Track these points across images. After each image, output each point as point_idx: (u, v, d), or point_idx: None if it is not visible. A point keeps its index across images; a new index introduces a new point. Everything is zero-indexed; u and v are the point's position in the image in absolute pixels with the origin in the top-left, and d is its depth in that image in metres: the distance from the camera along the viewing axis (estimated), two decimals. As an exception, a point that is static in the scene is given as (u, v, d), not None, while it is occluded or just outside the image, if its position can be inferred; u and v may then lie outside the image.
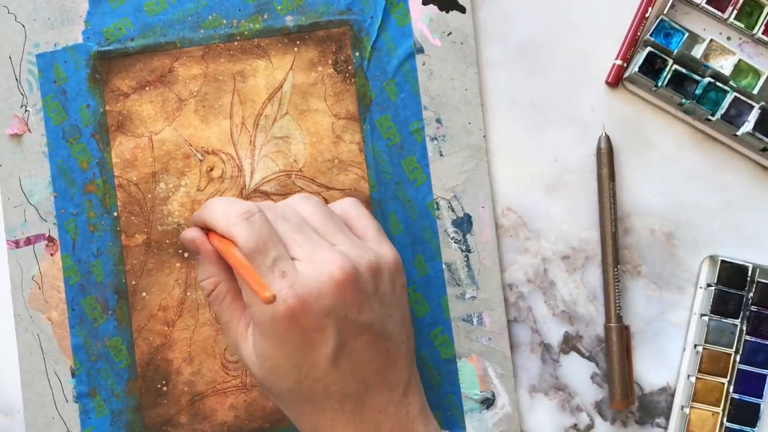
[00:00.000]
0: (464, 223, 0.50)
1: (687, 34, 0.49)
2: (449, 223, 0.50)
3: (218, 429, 0.49)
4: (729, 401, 0.50)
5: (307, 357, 0.40)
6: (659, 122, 0.51)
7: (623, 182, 0.51)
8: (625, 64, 0.50)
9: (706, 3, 0.50)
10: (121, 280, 0.49)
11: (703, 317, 0.50)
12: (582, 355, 0.50)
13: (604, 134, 0.50)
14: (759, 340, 0.50)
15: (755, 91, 0.49)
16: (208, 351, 0.49)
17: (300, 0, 0.49)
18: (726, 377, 0.49)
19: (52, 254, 0.49)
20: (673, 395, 0.50)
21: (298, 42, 0.50)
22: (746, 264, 0.50)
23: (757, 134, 0.49)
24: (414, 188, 0.50)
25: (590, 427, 0.50)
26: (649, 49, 0.49)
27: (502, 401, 0.49)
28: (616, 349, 0.49)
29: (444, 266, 0.49)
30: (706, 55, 0.49)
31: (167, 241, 0.49)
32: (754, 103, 0.49)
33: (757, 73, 0.49)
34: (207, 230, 0.43)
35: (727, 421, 0.50)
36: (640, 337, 0.50)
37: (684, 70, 0.49)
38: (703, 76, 0.49)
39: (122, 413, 0.49)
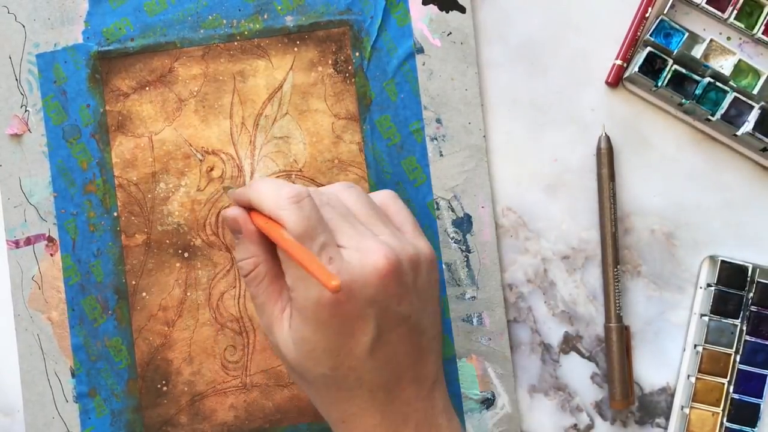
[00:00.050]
0: (464, 223, 0.50)
1: (687, 34, 0.49)
2: (449, 223, 0.50)
3: (218, 429, 0.49)
4: (729, 401, 0.50)
5: (345, 344, 0.40)
6: (659, 122, 0.51)
7: (623, 182, 0.51)
8: (625, 64, 0.50)
9: (706, 3, 0.50)
10: (121, 280, 0.49)
11: (703, 317, 0.50)
12: (582, 355, 0.50)
13: (604, 134, 0.50)
14: (759, 340, 0.50)
15: (755, 91, 0.49)
16: (208, 351, 0.49)
17: (300, 0, 0.49)
18: (726, 377, 0.49)
19: (52, 254, 0.49)
20: (673, 395, 0.50)
21: (298, 42, 0.50)
22: (746, 264, 0.50)
23: (757, 134, 0.49)
24: (414, 188, 0.50)
25: (590, 427, 0.50)
26: (649, 49, 0.49)
27: (502, 401, 0.49)
28: (616, 349, 0.49)
29: (444, 266, 0.49)
30: (706, 55, 0.49)
31: (167, 241, 0.49)
32: (754, 103, 0.49)
33: (757, 73, 0.49)
34: (248, 209, 0.42)
35: (727, 421, 0.50)
36: (640, 337, 0.50)
37: (684, 70, 0.49)
38: (703, 76, 0.49)
39: (122, 413, 0.49)
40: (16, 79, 0.49)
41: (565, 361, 0.50)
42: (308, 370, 0.41)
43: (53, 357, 0.49)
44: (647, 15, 0.50)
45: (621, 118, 0.51)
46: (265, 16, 0.50)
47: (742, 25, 0.50)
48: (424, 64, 0.50)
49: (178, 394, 0.49)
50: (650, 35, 0.49)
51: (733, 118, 0.49)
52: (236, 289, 0.49)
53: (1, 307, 0.49)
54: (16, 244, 0.49)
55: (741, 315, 0.50)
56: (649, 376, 0.50)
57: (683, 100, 0.49)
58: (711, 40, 0.49)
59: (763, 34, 0.50)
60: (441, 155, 0.50)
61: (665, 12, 0.50)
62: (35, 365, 0.49)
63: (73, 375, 0.49)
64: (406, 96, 0.50)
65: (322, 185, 0.49)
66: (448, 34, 0.50)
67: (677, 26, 0.49)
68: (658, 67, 0.49)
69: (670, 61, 0.49)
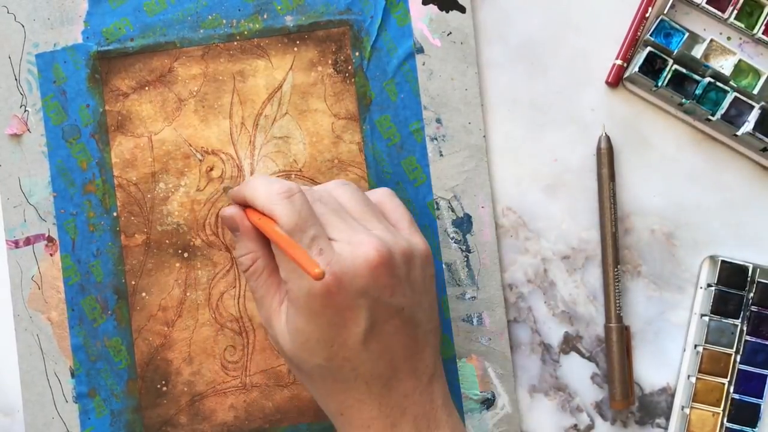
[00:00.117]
0: (464, 223, 0.50)
1: (687, 34, 0.49)
2: (449, 223, 0.50)
3: (218, 429, 0.49)
4: (729, 401, 0.50)
5: (338, 335, 0.40)
6: (659, 122, 0.51)
7: (623, 182, 0.50)
8: (625, 64, 0.50)
9: (707, 3, 0.50)
10: (121, 280, 0.49)
11: (703, 317, 0.50)
12: (582, 355, 0.50)
13: (604, 134, 0.50)
14: (759, 341, 0.50)
15: (755, 91, 0.49)
16: (208, 351, 0.49)
17: (300, 0, 0.49)
18: (726, 377, 0.49)
19: (51, 254, 0.49)
20: (673, 395, 0.50)
21: (297, 42, 0.50)
22: (746, 264, 0.50)
23: (757, 134, 0.49)
24: (414, 188, 0.50)
25: (590, 427, 0.50)
26: (649, 49, 0.49)
27: (502, 401, 0.49)
28: (616, 350, 0.49)
29: (444, 266, 0.49)
30: (706, 55, 0.49)
31: (167, 241, 0.49)
32: (754, 103, 0.49)
33: (757, 73, 0.49)
34: (245, 207, 0.44)
35: (728, 421, 0.49)
36: (640, 337, 0.50)
37: (684, 70, 0.49)
38: (703, 76, 0.49)
39: (122, 413, 0.49)
40: (16, 79, 0.49)
41: (565, 361, 0.50)
42: (304, 361, 0.41)
43: (53, 357, 0.49)
44: (647, 15, 0.50)
45: (621, 118, 0.51)
46: (265, 16, 0.49)
47: (743, 25, 0.50)
48: (424, 64, 0.50)
49: (178, 395, 0.49)
50: (650, 35, 0.49)
51: (733, 118, 0.49)
52: (236, 289, 0.49)
53: (1, 307, 0.49)
54: (16, 244, 0.49)
55: (741, 315, 0.50)
56: (650, 377, 0.50)
57: (683, 100, 0.49)
58: (711, 40, 0.49)
59: (763, 34, 0.50)
60: (441, 155, 0.50)
61: (665, 12, 0.50)
62: (35, 365, 0.49)
63: (72, 375, 0.49)
64: (406, 96, 0.50)
65: (322, 185, 0.49)
66: (448, 34, 0.50)
67: (677, 26, 0.49)
68: (658, 67, 0.49)
69: (671, 61, 0.49)
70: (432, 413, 0.42)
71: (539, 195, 0.50)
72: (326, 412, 0.43)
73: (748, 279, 0.50)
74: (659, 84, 0.49)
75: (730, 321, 0.50)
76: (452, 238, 0.49)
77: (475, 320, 0.49)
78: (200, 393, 0.49)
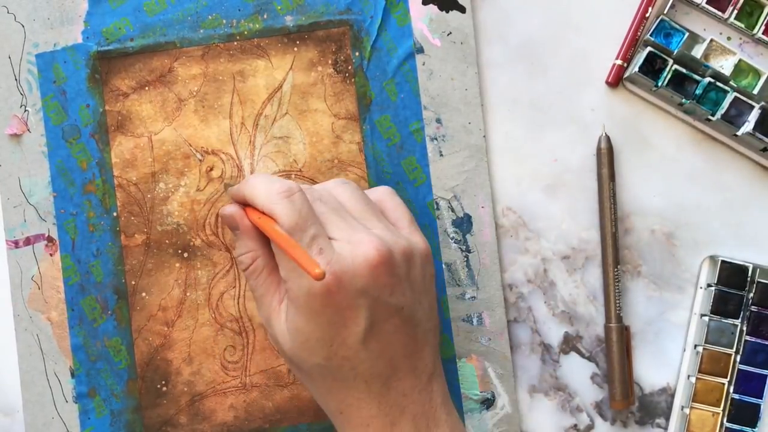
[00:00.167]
0: (464, 223, 0.50)
1: (687, 34, 0.49)
2: (449, 223, 0.50)
3: (218, 429, 0.49)
4: (729, 401, 0.50)
5: (338, 334, 0.40)
6: (659, 122, 0.51)
7: (623, 182, 0.50)
8: (625, 64, 0.50)
9: (707, 3, 0.50)
10: (121, 280, 0.49)
11: (703, 317, 0.50)
12: (582, 355, 0.50)
13: (604, 134, 0.50)
14: (759, 341, 0.50)
15: (755, 91, 0.49)
16: (208, 351, 0.49)
17: (300, 0, 0.49)
18: (726, 377, 0.49)
19: (51, 254, 0.49)
20: (673, 395, 0.50)
21: (297, 42, 0.50)
22: (746, 264, 0.50)
23: (757, 134, 0.49)
24: (414, 188, 0.50)
25: (590, 427, 0.50)
26: (649, 49, 0.49)
27: (502, 401, 0.49)
28: (616, 350, 0.49)
29: (444, 266, 0.49)
30: (706, 55, 0.49)
31: (167, 241, 0.49)
32: (754, 103, 0.49)
33: (757, 73, 0.49)
34: (244, 205, 0.44)
35: (728, 421, 0.49)
36: (640, 337, 0.50)
37: (684, 70, 0.49)
38: (703, 76, 0.49)
39: (122, 413, 0.49)
40: (16, 79, 0.49)
41: (565, 362, 0.50)
42: (304, 361, 0.41)
43: (53, 357, 0.49)
44: (647, 15, 0.50)
45: (621, 118, 0.51)
46: (265, 16, 0.49)
47: (743, 25, 0.50)
48: (424, 64, 0.50)
49: (178, 395, 0.49)
50: (650, 35, 0.49)
51: (733, 118, 0.49)
52: (236, 289, 0.49)
53: (1, 307, 0.49)
54: (16, 244, 0.49)
55: (741, 315, 0.50)
56: (650, 377, 0.50)
57: (683, 100, 0.49)
58: (711, 40, 0.49)
59: (763, 34, 0.50)
60: (441, 155, 0.50)
61: (665, 12, 0.50)
62: (35, 365, 0.49)
63: (72, 375, 0.49)
64: (406, 96, 0.50)
65: (322, 185, 0.49)
66: (448, 34, 0.50)
67: (677, 26, 0.49)
68: (658, 67, 0.49)
69: (671, 61, 0.49)
70: (431, 412, 0.42)
71: (539, 195, 0.50)
72: (326, 411, 0.43)
73: (748, 279, 0.50)
74: (659, 84, 0.49)
75: (730, 321, 0.50)
76: (452, 238, 0.49)
77: (475, 320, 0.49)
78: (200, 393, 0.49)
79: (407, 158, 0.50)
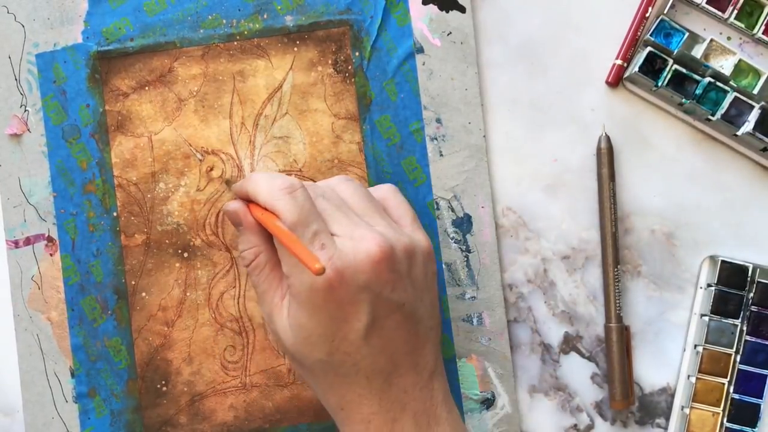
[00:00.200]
0: (464, 223, 0.50)
1: (687, 34, 0.49)
2: (449, 223, 0.50)
3: (218, 429, 0.49)
4: (729, 401, 0.50)
5: (340, 330, 0.40)
6: (659, 122, 0.51)
7: (623, 182, 0.50)
8: (625, 64, 0.50)
9: (707, 3, 0.50)
10: (121, 280, 0.49)
11: (703, 317, 0.50)
12: (582, 355, 0.50)
13: (604, 134, 0.50)
14: (759, 341, 0.50)
15: (755, 91, 0.49)
16: (208, 351, 0.49)
17: (300, 0, 0.49)
18: (726, 377, 0.49)
19: (51, 254, 0.49)
20: (673, 395, 0.50)
21: (297, 42, 0.50)
22: (746, 264, 0.50)
23: (757, 134, 0.49)
24: (414, 188, 0.50)
25: (590, 427, 0.50)
26: (649, 49, 0.49)
27: (502, 401, 0.49)
28: (616, 350, 0.49)
29: (444, 266, 0.49)
30: (706, 55, 0.49)
31: (167, 241, 0.49)
32: (754, 103, 0.49)
33: (757, 73, 0.49)
34: (248, 201, 0.44)
35: (728, 421, 0.49)
36: (640, 337, 0.50)
37: (684, 70, 0.49)
38: (704, 76, 0.49)
39: (122, 413, 0.49)
40: (16, 79, 0.49)
41: (565, 361, 0.50)
42: (305, 356, 0.41)
43: (53, 357, 0.49)
44: (647, 15, 0.50)
45: (621, 118, 0.51)
46: (265, 16, 0.49)
47: (743, 25, 0.50)
48: (424, 64, 0.50)
49: (178, 395, 0.49)
50: (650, 35, 0.49)
51: (733, 118, 0.49)
52: (236, 289, 0.49)
53: (1, 307, 0.49)
54: (16, 244, 0.49)
55: (741, 315, 0.50)
56: (650, 376, 0.50)
57: (683, 100, 0.49)
58: (711, 40, 0.49)
59: (763, 34, 0.50)
60: (441, 155, 0.50)
61: (665, 12, 0.50)
62: (35, 365, 0.49)
63: (72, 375, 0.49)
64: (406, 96, 0.50)
65: (322, 185, 0.49)
66: (448, 34, 0.50)
67: (677, 26, 0.49)
68: (658, 67, 0.49)
69: (671, 61, 0.49)
70: (432, 410, 0.42)
71: (539, 195, 0.50)
72: (327, 407, 0.43)
73: (748, 279, 0.50)
74: (659, 84, 0.49)
75: (730, 321, 0.50)
76: (452, 238, 0.49)
77: (475, 320, 0.49)
78: (200, 393, 0.49)
79: (407, 158, 0.50)
